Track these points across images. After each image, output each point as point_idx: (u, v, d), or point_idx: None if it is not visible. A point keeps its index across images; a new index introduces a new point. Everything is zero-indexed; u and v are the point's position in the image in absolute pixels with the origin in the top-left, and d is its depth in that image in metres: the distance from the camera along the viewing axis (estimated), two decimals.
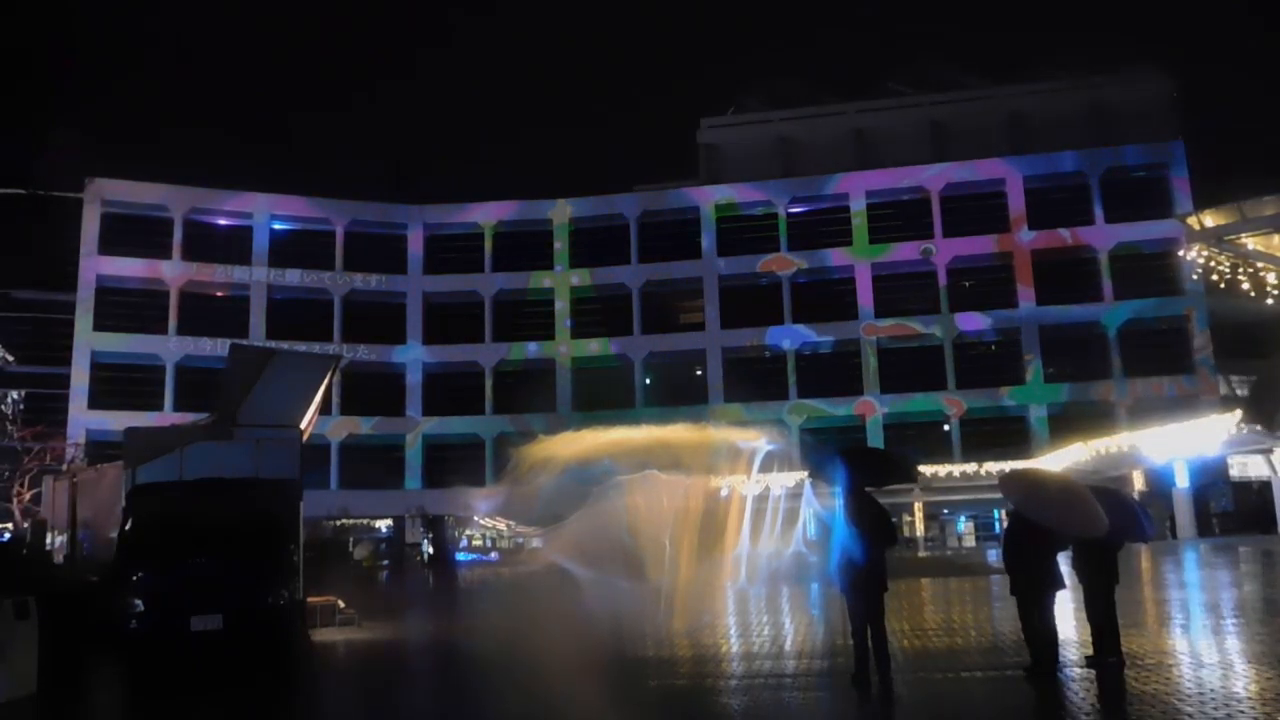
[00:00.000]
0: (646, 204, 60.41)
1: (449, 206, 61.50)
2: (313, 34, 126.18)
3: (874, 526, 9.64)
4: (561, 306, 59.59)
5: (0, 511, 43.35)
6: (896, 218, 57.28)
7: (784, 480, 29.41)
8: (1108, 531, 9.74)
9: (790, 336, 56.98)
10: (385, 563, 46.89)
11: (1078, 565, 10.35)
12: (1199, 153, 55.51)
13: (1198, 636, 12.65)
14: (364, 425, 56.50)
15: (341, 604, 17.31)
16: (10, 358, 49.05)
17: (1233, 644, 11.77)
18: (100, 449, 43.62)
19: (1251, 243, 43.16)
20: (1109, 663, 9.92)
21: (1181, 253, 50.01)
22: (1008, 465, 35.80)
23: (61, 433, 48.74)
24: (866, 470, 10.51)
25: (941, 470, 49.47)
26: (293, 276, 58.00)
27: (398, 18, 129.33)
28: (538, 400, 54.68)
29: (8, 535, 37.96)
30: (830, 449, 11.47)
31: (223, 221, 58.37)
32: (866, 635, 9.59)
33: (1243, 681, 9.32)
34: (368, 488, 53.92)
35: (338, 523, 49.48)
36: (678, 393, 54.61)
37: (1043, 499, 9.82)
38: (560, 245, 60.21)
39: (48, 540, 18.85)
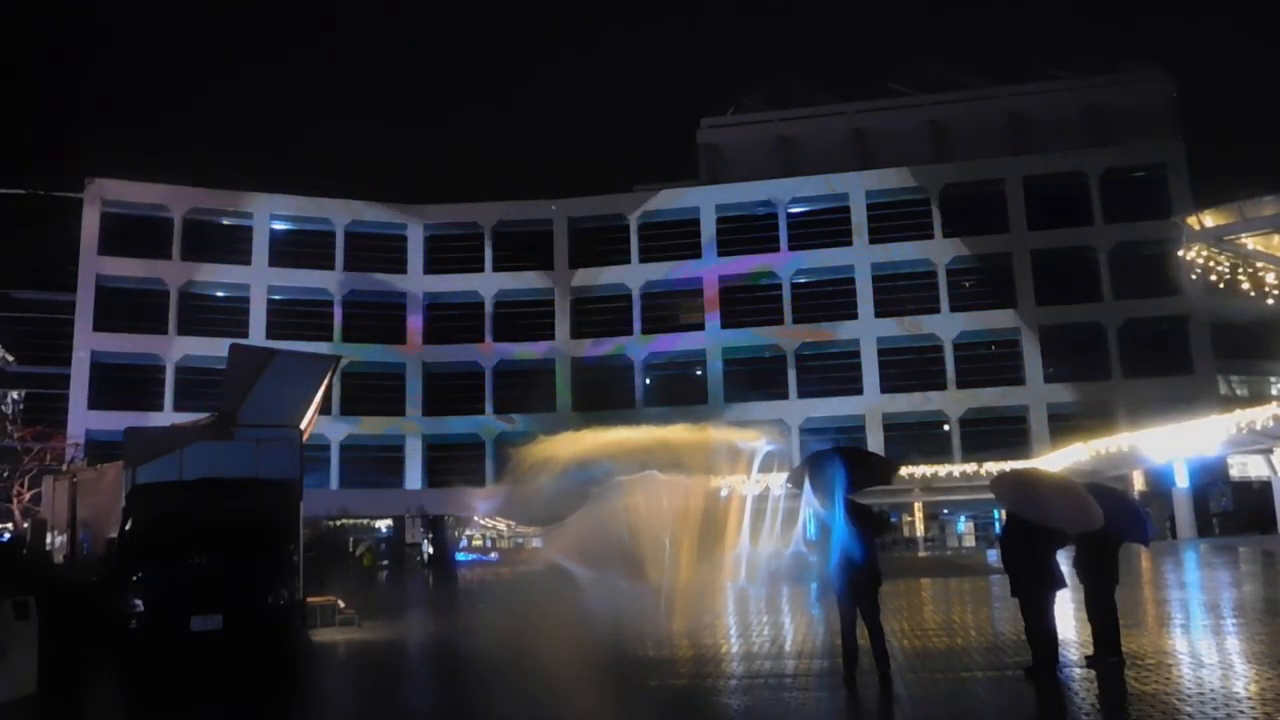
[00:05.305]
0: (646, 204, 60.41)
1: (449, 206, 61.45)
2: (312, 33, 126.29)
3: (862, 522, 9.78)
4: (561, 307, 59.58)
5: (0, 511, 43.30)
6: (896, 218, 57.28)
7: (784, 480, 29.41)
8: (1108, 530, 9.73)
9: (789, 336, 56.94)
10: (385, 563, 46.81)
11: (1079, 565, 10.35)
12: (1199, 153, 55.57)
13: (1198, 636, 12.64)
14: (364, 425, 56.51)
15: (341, 604, 17.31)
16: (10, 358, 49.02)
17: (1233, 644, 11.77)
18: (100, 449, 43.52)
19: (1251, 243, 43.12)
20: (1109, 663, 9.92)
21: (1181, 253, 49.99)
22: (1008, 465, 35.82)
23: (61, 433, 48.64)
24: (851, 472, 10.58)
25: (941, 470, 49.39)
26: (293, 276, 57.98)
27: (397, 16, 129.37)
28: (538, 400, 54.65)
29: (8, 535, 37.89)
30: (816, 454, 11.53)
31: (223, 221, 58.38)
32: (855, 635, 9.66)
33: (1243, 681, 9.31)
34: (368, 488, 53.89)
35: (338, 523, 49.41)
36: (678, 393, 54.63)
37: (1035, 497, 9.80)
38: (560, 245, 60.19)
39: (48, 540, 18.81)
